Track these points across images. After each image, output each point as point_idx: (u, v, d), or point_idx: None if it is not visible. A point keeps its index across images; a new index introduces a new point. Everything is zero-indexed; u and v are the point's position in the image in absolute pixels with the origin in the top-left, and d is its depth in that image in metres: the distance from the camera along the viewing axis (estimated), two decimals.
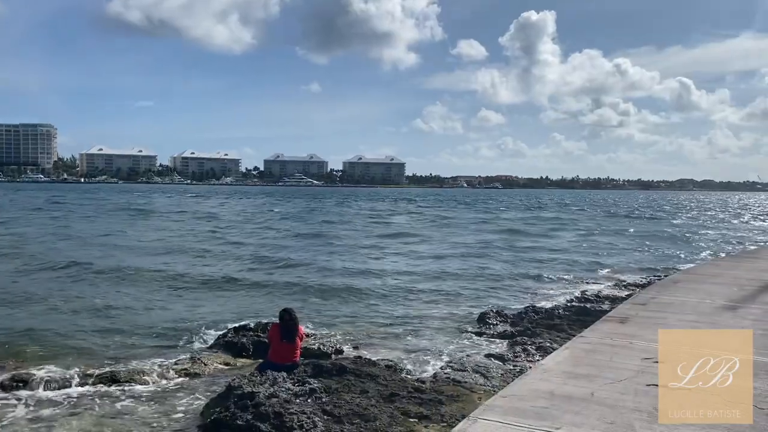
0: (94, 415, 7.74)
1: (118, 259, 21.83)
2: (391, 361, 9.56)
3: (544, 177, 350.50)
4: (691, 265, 20.72)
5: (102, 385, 8.77)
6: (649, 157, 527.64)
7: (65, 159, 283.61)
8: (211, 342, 11.26)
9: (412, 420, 6.82)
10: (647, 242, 33.62)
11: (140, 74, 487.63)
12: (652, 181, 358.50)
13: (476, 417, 4.77)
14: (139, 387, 8.77)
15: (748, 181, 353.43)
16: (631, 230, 42.64)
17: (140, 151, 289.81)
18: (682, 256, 27.43)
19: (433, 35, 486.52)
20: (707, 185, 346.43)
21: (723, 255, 24.96)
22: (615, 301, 14.32)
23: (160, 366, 9.68)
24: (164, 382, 9.04)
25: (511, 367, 9.32)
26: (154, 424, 7.54)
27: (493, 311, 13.47)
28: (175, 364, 9.81)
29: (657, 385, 5.57)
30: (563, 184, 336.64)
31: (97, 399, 8.30)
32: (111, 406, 8.08)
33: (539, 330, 11.74)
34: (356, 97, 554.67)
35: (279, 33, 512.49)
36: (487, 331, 12.28)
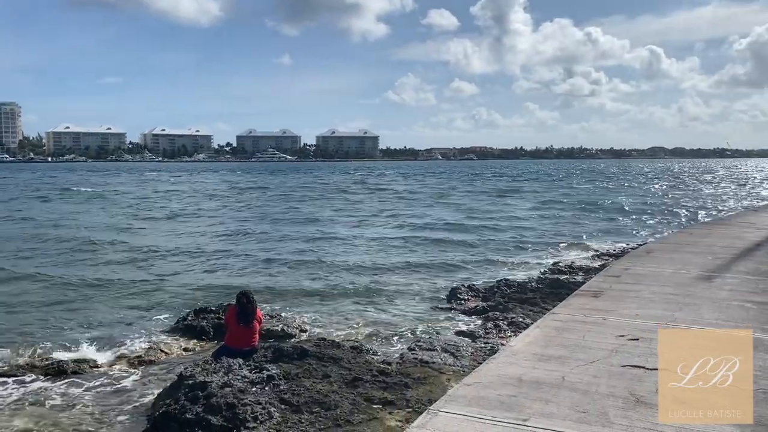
0: (37, 411, 7.18)
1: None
2: (357, 341, 9.14)
3: (518, 148, 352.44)
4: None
5: (47, 377, 8.17)
6: (621, 126, 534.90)
7: (31, 138, 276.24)
8: (169, 326, 10.69)
9: (375, 406, 6.44)
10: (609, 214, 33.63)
11: (106, 50, 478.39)
12: (625, 150, 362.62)
13: (437, 410, 4.34)
14: (88, 378, 8.20)
15: (718, 148, 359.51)
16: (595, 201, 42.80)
17: (109, 128, 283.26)
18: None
19: (403, 5, 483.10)
20: (678, 153, 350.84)
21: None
22: (589, 272, 14.07)
23: (112, 354, 9.14)
24: (116, 371, 8.49)
25: (482, 345, 8.98)
26: (102, 419, 7.05)
27: (464, 286, 13.10)
28: (129, 352, 9.27)
29: (632, 366, 5.24)
30: (537, 154, 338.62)
31: (41, 392, 7.72)
32: (56, 399, 7.54)
33: (511, 304, 11.41)
34: (328, 69, 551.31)
35: (247, 4, 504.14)
36: (459, 307, 11.93)
